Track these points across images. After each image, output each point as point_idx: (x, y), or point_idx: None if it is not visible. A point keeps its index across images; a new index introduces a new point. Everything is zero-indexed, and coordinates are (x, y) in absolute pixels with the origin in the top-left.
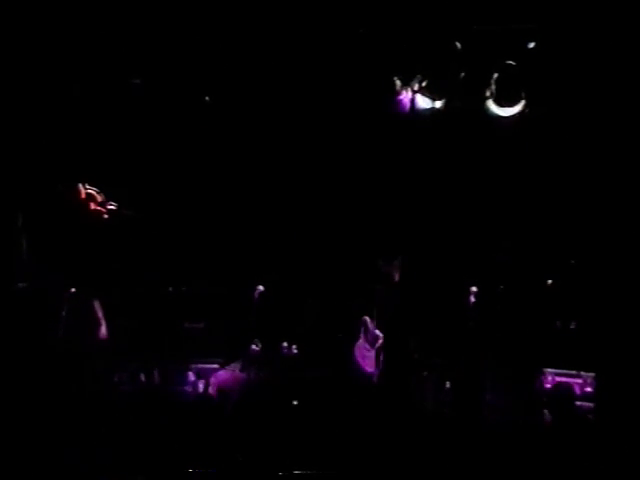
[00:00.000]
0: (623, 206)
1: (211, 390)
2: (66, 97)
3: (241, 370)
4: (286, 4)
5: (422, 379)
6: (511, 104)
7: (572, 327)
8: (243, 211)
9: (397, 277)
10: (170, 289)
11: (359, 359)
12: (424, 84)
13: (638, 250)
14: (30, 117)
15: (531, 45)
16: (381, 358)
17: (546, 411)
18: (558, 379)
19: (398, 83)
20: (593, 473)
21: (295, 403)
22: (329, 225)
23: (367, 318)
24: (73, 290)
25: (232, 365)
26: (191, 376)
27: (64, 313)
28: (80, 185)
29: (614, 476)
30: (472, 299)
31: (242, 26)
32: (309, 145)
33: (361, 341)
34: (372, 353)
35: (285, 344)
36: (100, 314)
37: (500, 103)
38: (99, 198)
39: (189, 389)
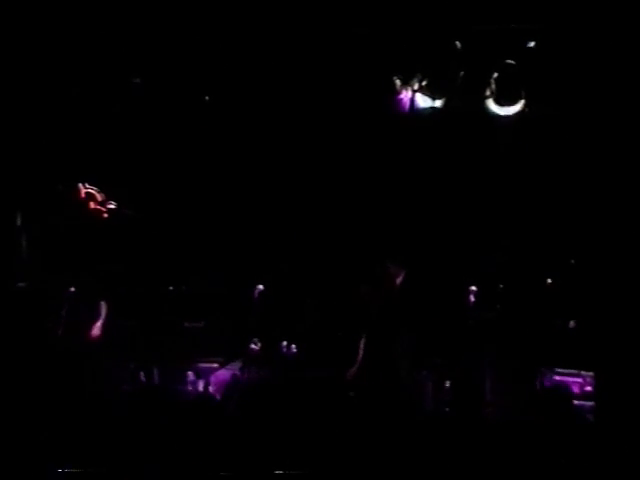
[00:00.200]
0: (623, 206)
1: (211, 389)
2: (66, 97)
3: (241, 369)
4: (286, 4)
5: (422, 379)
6: (511, 103)
7: (571, 326)
8: (243, 211)
9: (397, 279)
10: (170, 288)
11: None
12: (424, 83)
13: (638, 250)
14: (30, 117)
15: (531, 45)
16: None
17: (545, 410)
18: (557, 378)
19: (398, 83)
20: (593, 472)
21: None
22: (329, 225)
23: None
24: (73, 290)
25: (232, 365)
26: (191, 375)
27: (64, 313)
28: (80, 185)
29: (614, 476)
30: (472, 299)
31: (242, 26)
32: (309, 145)
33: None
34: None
35: (285, 343)
36: (103, 314)
37: (500, 102)
38: (99, 197)
39: (189, 388)
